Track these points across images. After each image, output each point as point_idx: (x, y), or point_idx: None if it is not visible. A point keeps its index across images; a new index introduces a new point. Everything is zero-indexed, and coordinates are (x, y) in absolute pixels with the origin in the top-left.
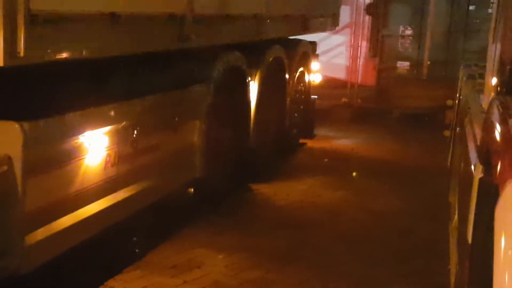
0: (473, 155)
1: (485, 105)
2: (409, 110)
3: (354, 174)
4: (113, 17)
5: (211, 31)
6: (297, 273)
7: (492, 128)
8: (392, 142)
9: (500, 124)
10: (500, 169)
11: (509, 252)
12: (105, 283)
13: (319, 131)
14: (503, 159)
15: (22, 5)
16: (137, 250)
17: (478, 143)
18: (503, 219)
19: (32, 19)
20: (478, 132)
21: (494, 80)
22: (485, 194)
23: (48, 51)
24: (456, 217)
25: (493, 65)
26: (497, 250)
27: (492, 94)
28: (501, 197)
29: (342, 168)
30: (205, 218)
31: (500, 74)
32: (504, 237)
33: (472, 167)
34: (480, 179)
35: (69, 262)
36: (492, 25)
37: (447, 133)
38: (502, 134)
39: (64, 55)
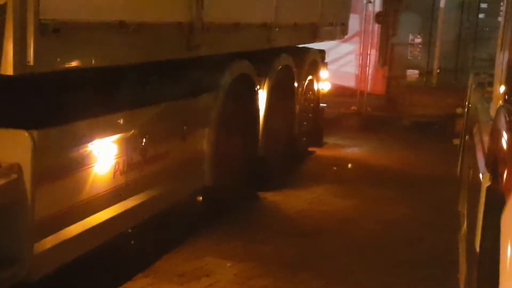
0: (481, 163)
1: (493, 113)
2: (418, 118)
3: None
4: (122, 26)
5: (220, 39)
6: (306, 282)
7: (499, 136)
8: (402, 150)
9: (506, 132)
10: (506, 177)
11: None
12: None
13: (328, 140)
14: (509, 167)
15: (32, 15)
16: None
17: (486, 151)
18: (509, 227)
19: (42, 29)
20: (486, 140)
21: (502, 88)
22: (492, 202)
23: (58, 60)
24: (465, 225)
25: (501, 73)
26: (503, 258)
27: (500, 102)
28: (507, 205)
29: (351, 177)
30: (213, 226)
31: (508, 82)
32: (510, 245)
33: (480, 175)
34: (488, 188)
35: (78, 270)
36: (500, 33)
37: (456, 141)
38: (508, 142)
39: (73, 64)
